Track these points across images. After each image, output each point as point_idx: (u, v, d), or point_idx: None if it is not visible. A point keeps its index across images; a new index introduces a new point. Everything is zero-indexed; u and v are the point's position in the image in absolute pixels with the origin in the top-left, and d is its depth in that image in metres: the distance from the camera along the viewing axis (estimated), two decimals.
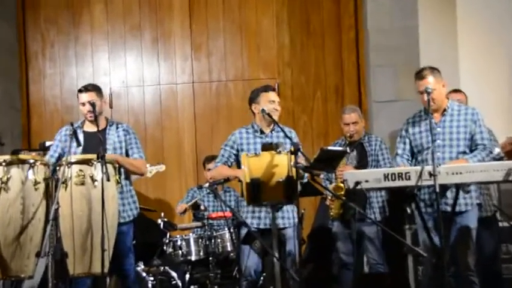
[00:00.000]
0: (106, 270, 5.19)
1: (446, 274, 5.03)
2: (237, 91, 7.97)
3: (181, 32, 8.20)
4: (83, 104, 5.79)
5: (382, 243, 6.29)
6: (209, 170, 7.14)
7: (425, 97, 5.36)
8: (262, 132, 5.72)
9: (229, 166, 5.71)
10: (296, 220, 5.56)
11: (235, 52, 8.17)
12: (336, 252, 6.84)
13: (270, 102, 5.69)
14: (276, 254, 5.13)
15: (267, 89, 5.79)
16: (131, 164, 5.75)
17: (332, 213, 6.38)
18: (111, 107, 8.11)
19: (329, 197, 6.29)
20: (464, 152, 5.42)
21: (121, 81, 8.26)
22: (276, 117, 5.64)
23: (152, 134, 8.20)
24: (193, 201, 7.13)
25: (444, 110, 5.50)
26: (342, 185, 5.78)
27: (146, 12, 8.22)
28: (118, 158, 5.61)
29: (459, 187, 5.23)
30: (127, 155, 5.82)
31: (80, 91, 5.86)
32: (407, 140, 5.59)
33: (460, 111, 5.50)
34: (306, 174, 5.22)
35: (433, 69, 5.49)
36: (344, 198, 5.87)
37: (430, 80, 5.41)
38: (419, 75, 5.46)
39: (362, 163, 6.34)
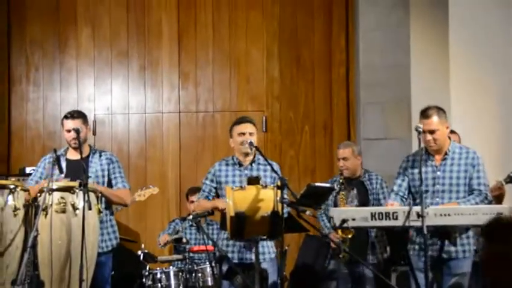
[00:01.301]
0: None
1: None
2: (223, 122, 7.87)
3: (169, 60, 8.13)
4: (68, 131, 5.71)
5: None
6: (192, 202, 7.07)
7: (428, 137, 5.28)
8: (240, 164, 5.64)
9: (210, 200, 5.62)
10: (273, 255, 5.48)
11: (224, 83, 8.11)
12: None
13: (239, 135, 5.61)
14: None
15: (239, 121, 5.71)
16: (114, 195, 5.69)
17: (341, 256, 6.27)
18: (94, 134, 8.01)
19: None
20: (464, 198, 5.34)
21: (105, 108, 8.15)
22: (248, 150, 5.54)
23: (135, 163, 8.09)
24: (176, 234, 7.00)
25: (446, 153, 5.40)
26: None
27: (134, 39, 8.14)
28: (101, 189, 5.53)
29: (445, 238, 5.14)
30: (110, 184, 5.74)
31: (66, 117, 5.81)
32: (406, 178, 5.49)
33: (461, 155, 5.39)
34: (287, 209, 5.13)
35: (439, 109, 5.39)
36: (336, 242, 5.80)
37: (435, 120, 5.31)
38: (424, 113, 5.35)
39: (362, 202, 6.24)
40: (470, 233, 5.32)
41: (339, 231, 5.94)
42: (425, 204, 5.04)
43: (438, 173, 5.35)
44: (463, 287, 5.30)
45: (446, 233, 5.18)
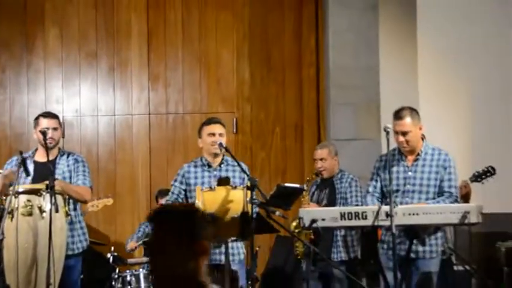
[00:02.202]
0: None
1: None
2: (194, 124, 7.77)
3: (139, 61, 8.04)
4: (44, 132, 5.55)
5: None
6: (161, 205, 7.01)
7: (400, 138, 5.28)
8: (209, 166, 5.60)
9: (180, 202, 5.57)
10: (242, 256, 5.46)
11: (194, 84, 8.05)
12: None
13: (209, 135, 5.59)
14: None
15: (208, 121, 5.69)
16: (73, 190, 5.61)
17: (297, 252, 6.27)
18: (63, 136, 7.87)
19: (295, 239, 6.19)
20: (434, 199, 5.34)
21: (74, 110, 8.06)
22: (218, 151, 5.53)
23: (105, 165, 8.00)
24: (144, 238, 6.95)
25: (418, 154, 5.40)
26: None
27: (103, 39, 8.04)
28: (60, 183, 5.44)
29: (413, 237, 5.15)
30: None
31: (43, 116, 5.75)
32: (379, 178, 5.50)
33: (433, 156, 5.40)
34: (256, 209, 5.11)
35: (412, 110, 5.41)
36: (297, 236, 5.77)
37: (407, 121, 5.32)
38: (397, 115, 5.37)
39: (330, 201, 6.24)
40: (439, 234, 5.34)
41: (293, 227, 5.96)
42: (394, 204, 5.05)
43: (410, 173, 5.36)
44: (430, 286, 5.30)
45: (414, 233, 5.18)
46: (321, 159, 6.36)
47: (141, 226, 7.32)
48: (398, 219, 4.94)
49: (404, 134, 5.31)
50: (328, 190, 6.36)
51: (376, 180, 5.50)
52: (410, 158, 5.40)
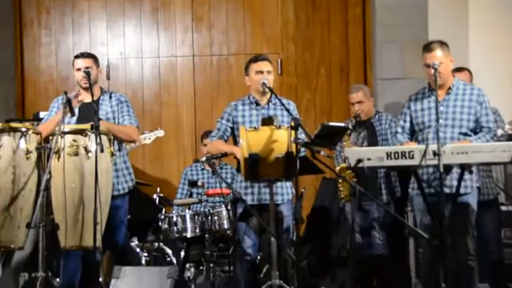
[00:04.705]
0: (98, 244, 5.05)
1: (448, 257, 4.88)
2: (238, 66, 7.75)
3: (182, 1, 8.00)
4: (78, 70, 5.67)
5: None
6: (205, 145, 7.02)
7: (432, 71, 5.18)
8: (257, 104, 5.55)
9: (225, 140, 5.56)
10: (290, 196, 5.43)
11: (238, 25, 7.99)
12: (335, 233, 6.73)
13: (257, 73, 5.51)
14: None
15: (255, 59, 5.59)
16: (120, 130, 5.62)
17: (342, 196, 6.24)
18: (108, 78, 7.96)
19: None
20: (466, 134, 5.27)
21: (119, 53, 8.07)
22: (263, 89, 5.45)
23: (150, 108, 8.04)
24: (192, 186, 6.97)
25: (449, 88, 5.32)
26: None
27: None
28: (107, 125, 5.46)
29: (464, 168, 5.06)
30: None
31: (76, 57, 5.80)
32: (408, 118, 5.43)
33: (466, 91, 5.33)
34: (303, 149, 5.05)
35: (442, 43, 5.32)
36: (344, 177, 5.72)
37: (438, 54, 5.24)
38: (428, 47, 5.29)
39: (371, 143, 6.18)
40: (474, 169, 5.23)
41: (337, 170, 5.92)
42: (425, 140, 5.03)
43: (441, 108, 5.26)
44: (469, 223, 5.23)
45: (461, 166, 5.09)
46: (358, 103, 6.29)
47: (186, 172, 7.31)
48: (446, 158, 4.84)
49: (436, 65, 5.20)
50: (366, 132, 6.30)
51: (405, 120, 5.44)
52: (441, 93, 5.30)
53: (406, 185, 5.58)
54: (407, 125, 5.43)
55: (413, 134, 5.42)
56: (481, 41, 7.13)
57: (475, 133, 5.27)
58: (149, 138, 7.06)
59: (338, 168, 6.10)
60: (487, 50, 7.16)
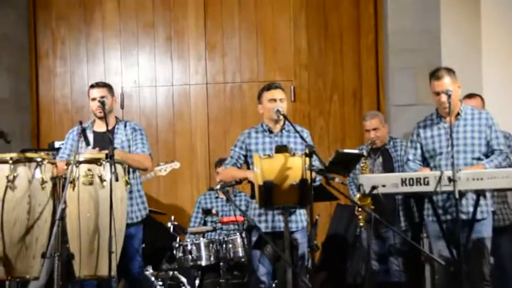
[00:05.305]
0: (113, 273, 5.05)
1: (464, 283, 4.84)
2: (251, 93, 7.78)
3: (196, 30, 8.07)
4: (94, 99, 5.71)
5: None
6: (218, 173, 7.03)
7: (443, 98, 5.18)
8: (271, 131, 5.56)
9: (239, 168, 5.55)
10: (305, 224, 5.42)
11: (251, 53, 8.04)
12: (350, 260, 6.70)
13: (269, 101, 5.51)
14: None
15: (268, 87, 5.59)
16: (132, 159, 5.63)
17: (361, 224, 6.23)
18: (122, 107, 8.01)
19: (357, 208, 6.14)
20: (479, 158, 5.25)
21: (132, 81, 8.13)
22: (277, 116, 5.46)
23: (164, 137, 8.07)
24: (206, 213, 6.97)
25: (458, 114, 5.32)
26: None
27: (160, 10, 8.09)
28: (119, 152, 5.48)
29: (479, 194, 5.04)
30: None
31: (92, 86, 5.85)
32: (418, 145, 5.42)
33: (474, 115, 5.33)
34: (319, 177, 5.05)
35: (449, 70, 5.33)
36: (360, 204, 5.71)
37: (447, 81, 5.24)
38: (435, 75, 5.29)
39: (388, 169, 6.17)
40: (488, 193, 5.22)
41: (357, 199, 5.90)
42: (438, 167, 5.03)
43: (452, 134, 5.24)
44: (485, 249, 5.20)
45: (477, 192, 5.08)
46: (374, 129, 6.30)
47: (200, 201, 7.31)
48: (461, 185, 4.82)
49: (446, 92, 5.21)
50: (382, 158, 6.30)
51: (415, 148, 5.42)
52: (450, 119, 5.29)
53: (423, 211, 5.57)
54: (418, 152, 5.42)
55: (424, 161, 5.40)
56: (495, 67, 7.12)
57: (487, 157, 5.25)
58: (165, 170, 7.09)
59: (357, 197, 6.08)
60: (500, 75, 7.14)
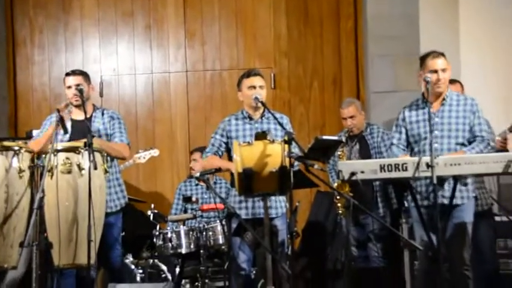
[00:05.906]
0: (92, 261, 5.03)
1: (442, 269, 4.87)
2: (231, 81, 7.75)
3: (175, 18, 8.03)
4: (69, 87, 5.68)
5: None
6: (194, 160, 7.02)
7: (441, 75, 5.24)
8: (251, 118, 5.55)
9: (220, 155, 5.55)
10: (284, 210, 5.43)
11: (231, 40, 8.01)
12: (330, 247, 6.73)
13: (249, 88, 5.51)
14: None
15: (247, 74, 5.59)
16: (110, 147, 5.61)
17: (340, 212, 6.24)
18: (101, 95, 7.98)
19: (336, 195, 6.16)
20: (463, 144, 5.28)
21: (111, 69, 8.08)
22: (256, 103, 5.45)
23: (143, 124, 8.04)
24: (186, 201, 6.96)
25: (443, 99, 5.34)
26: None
27: None
28: (97, 141, 5.45)
29: (457, 179, 5.07)
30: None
31: (67, 74, 5.81)
32: (403, 129, 5.44)
33: (459, 101, 5.35)
34: (297, 163, 5.05)
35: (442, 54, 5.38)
36: (339, 191, 5.73)
37: (443, 61, 5.30)
38: (434, 53, 5.33)
39: (365, 156, 6.19)
40: (469, 179, 5.25)
41: (336, 186, 5.92)
42: (422, 152, 5.03)
43: (437, 119, 5.29)
44: (466, 234, 5.23)
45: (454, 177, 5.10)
46: (350, 117, 6.31)
47: (180, 188, 7.29)
48: (439, 170, 4.83)
49: (444, 70, 5.27)
50: (359, 146, 6.32)
51: (400, 132, 5.44)
52: (435, 104, 5.33)
53: (402, 197, 5.58)
54: (403, 136, 5.43)
55: (408, 146, 5.43)
56: (472, 54, 7.14)
57: (470, 143, 5.28)
58: (144, 158, 7.07)
59: (336, 184, 6.09)
60: (478, 62, 7.17)
